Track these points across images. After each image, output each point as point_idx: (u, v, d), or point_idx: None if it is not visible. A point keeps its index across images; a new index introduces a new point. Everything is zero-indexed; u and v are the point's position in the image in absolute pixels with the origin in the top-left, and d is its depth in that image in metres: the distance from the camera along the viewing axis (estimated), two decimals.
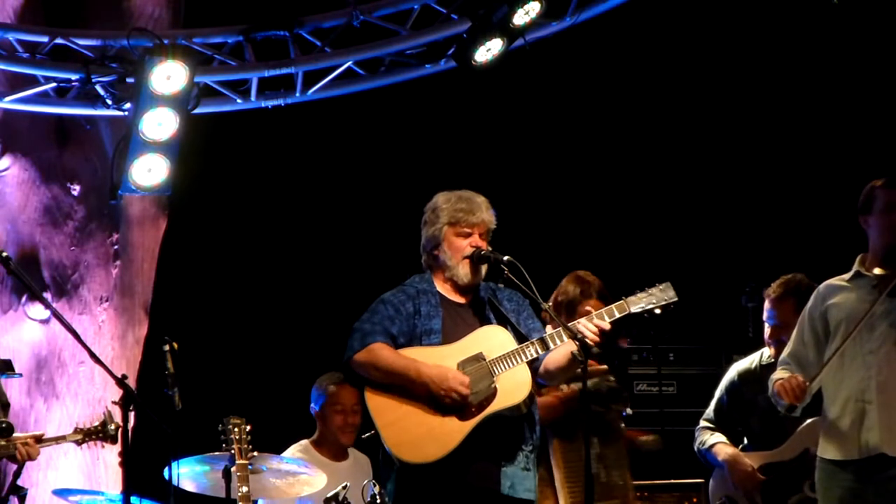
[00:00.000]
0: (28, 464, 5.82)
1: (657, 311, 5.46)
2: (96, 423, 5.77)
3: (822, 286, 5.73)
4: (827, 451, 5.59)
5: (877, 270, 5.59)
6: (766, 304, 6.46)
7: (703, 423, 6.57)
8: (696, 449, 6.56)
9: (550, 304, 6.01)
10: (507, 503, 5.41)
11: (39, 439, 5.73)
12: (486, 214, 5.60)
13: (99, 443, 5.87)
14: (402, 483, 5.40)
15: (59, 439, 5.84)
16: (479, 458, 5.37)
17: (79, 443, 5.78)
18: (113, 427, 5.75)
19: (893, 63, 8.95)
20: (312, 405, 7.16)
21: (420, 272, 5.70)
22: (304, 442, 7.13)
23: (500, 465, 5.40)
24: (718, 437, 6.48)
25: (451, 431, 5.33)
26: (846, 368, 5.56)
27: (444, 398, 5.34)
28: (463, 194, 5.64)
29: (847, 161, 8.78)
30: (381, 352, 5.44)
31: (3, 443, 5.62)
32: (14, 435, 5.68)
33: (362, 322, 5.53)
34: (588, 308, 5.98)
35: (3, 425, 5.64)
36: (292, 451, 7.04)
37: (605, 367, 6.21)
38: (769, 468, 6.33)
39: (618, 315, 5.42)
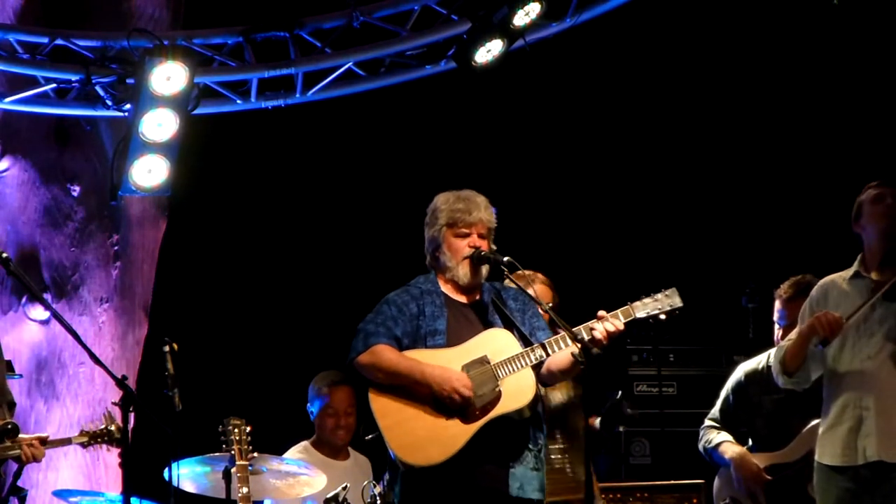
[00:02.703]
0: (28, 465, 5.81)
1: (662, 316, 5.47)
2: (102, 426, 5.74)
3: (824, 280, 5.75)
4: (824, 456, 5.60)
5: (874, 275, 5.61)
6: (777, 305, 6.44)
7: (708, 423, 6.55)
8: (701, 448, 6.53)
9: (551, 305, 6.01)
10: None
11: (45, 441, 5.70)
12: (484, 213, 5.58)
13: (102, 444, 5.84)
14: (409, 485, 5.38)
15: (64, 441, 5.81)
16: (486, 460, 5.35)
17: (84, 445, 5.75)
18: (114, 428, 5.72)
19: (893, 63, 8.95)
20: (308, 406, 7.16)
21: (423, 273, 5.70)
22: (305, 443, 7.13)
23: (509, 467, 5.39)
24: (724, 437, 6.46)
25: (455, 434, 5.33)
26: (844, 373, 5.56)
27: (447, 400, 5.33)
28: (462, 194, 5.63)
29: (847, 162, 8.78)
30: (385, 353, 5.43)
31: (8, 443, 5.59)
32: (19, 436, 5.65)
33: (366, 323, 5.52)
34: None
35: (10, 426, 5.62)
36: (293, 452, 7.04)
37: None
38: (774, 469, 6.31)
39: (623, 320, 5.41)
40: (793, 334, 5.72)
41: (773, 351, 6.47)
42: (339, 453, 7.11)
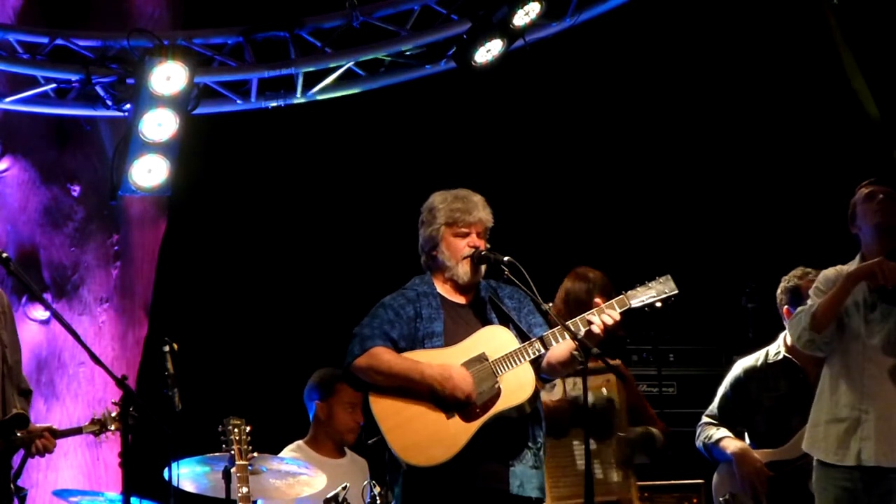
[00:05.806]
0: (28, 464, 5.78)
1: (658, 304, 5.44)
2: (113, 413, 5.65)
3: (831, 271, 5.71)
4: (818, 450, 5.63)
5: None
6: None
7: (706, 419, 6.52)
8: (700, 444, 6.50)
9: (552, 304, 6.00)
10: (516, 503, 5.41)
11: (55, 432, 5.65)
12: (482, 213, 5.58)
13: (101, 443, 5.79)
14: (410, 486, 5.38)
15: (75, 431, 5.74)
16: (487, 458, 5.36)
17: (96, 433, 5.68)
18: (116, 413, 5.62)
19: (893, 63, 8.95)
20: (316, 400, 7.01)
21: (420, 273, 5.69)
22: (299, 442, 7.04)
23: (509, 465, 5.40)
24: (725, 432, 6.43)
25: (457, 433, 5.33)
26: (846, 372, 5.57)
27: (449, 398, 5.33)
28: (459, 193, 5.63)
29: (847, 161, 8.78)
30: (383, 355, 5.41)
31: (19, 434, 5.53)
32: (29, 427, 5.59)
33: (362, 327, 5.50)
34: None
35: (21, 417, 5.55)
36: (287, 452, 6.96)
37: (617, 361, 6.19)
38: (774, 466, 6.30)
39: (618, 310, 5.41)
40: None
41: (770, 348, 6.47)
42: (336, 451, 7.04)
